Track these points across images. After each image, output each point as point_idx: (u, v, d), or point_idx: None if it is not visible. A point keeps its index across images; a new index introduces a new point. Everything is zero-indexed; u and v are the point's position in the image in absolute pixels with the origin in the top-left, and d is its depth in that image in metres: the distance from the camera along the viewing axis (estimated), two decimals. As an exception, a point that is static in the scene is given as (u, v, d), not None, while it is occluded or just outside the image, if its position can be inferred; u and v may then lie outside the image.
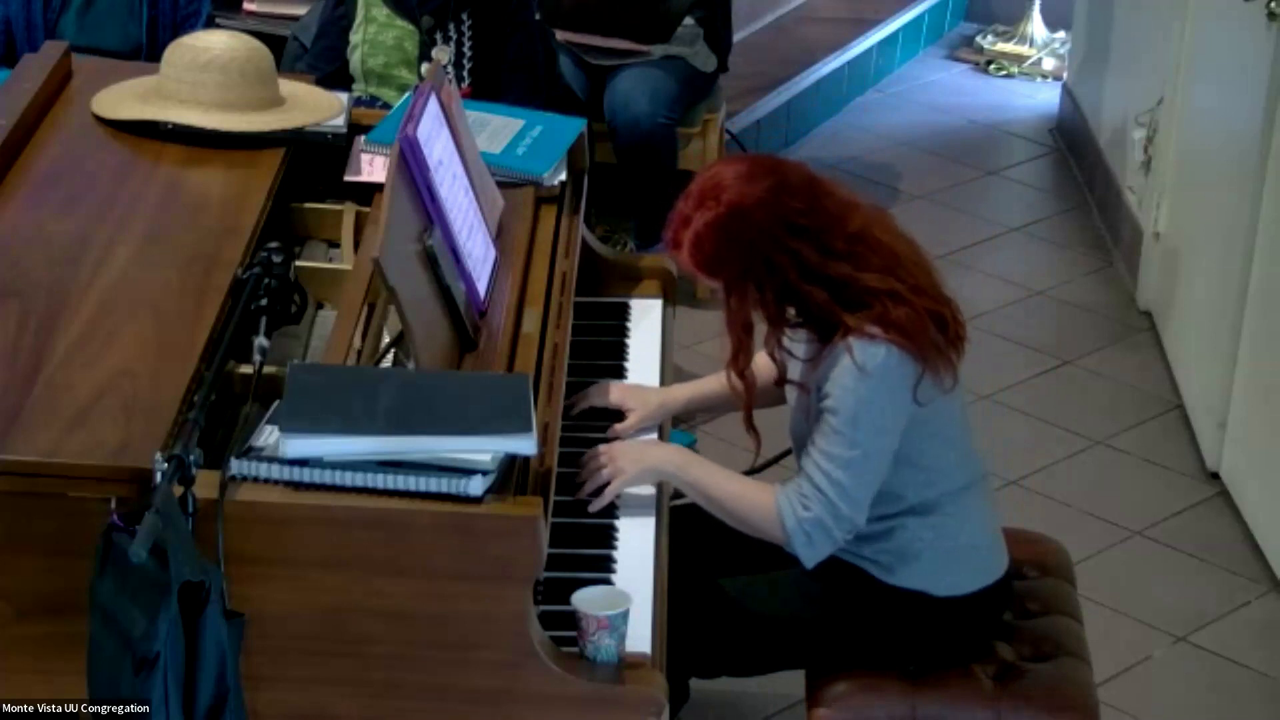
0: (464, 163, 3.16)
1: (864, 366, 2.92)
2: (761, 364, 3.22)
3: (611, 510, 3.06)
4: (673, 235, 3.01)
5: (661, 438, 3.30)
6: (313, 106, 3.50)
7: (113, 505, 2.50)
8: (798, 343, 3.07)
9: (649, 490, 3.10)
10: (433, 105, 3.07)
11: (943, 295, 3.02)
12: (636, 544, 2.99)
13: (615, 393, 3.32)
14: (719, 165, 3.04)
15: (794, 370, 3.08)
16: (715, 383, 3.37)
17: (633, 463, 3.08)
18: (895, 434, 2.98)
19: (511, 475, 2.64)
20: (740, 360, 3.04)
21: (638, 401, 3.31)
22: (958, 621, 3.11)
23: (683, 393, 3.37)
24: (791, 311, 3.01)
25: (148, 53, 4.60)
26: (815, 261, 2.95)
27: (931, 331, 2.96)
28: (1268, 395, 4.37)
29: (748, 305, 2.98)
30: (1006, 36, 7.07)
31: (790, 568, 3.16)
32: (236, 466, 2.58)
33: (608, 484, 3.05)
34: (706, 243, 2.96)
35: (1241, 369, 4.51)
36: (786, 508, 3.00)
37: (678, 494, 3.16)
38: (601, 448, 3.10)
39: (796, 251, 2.94)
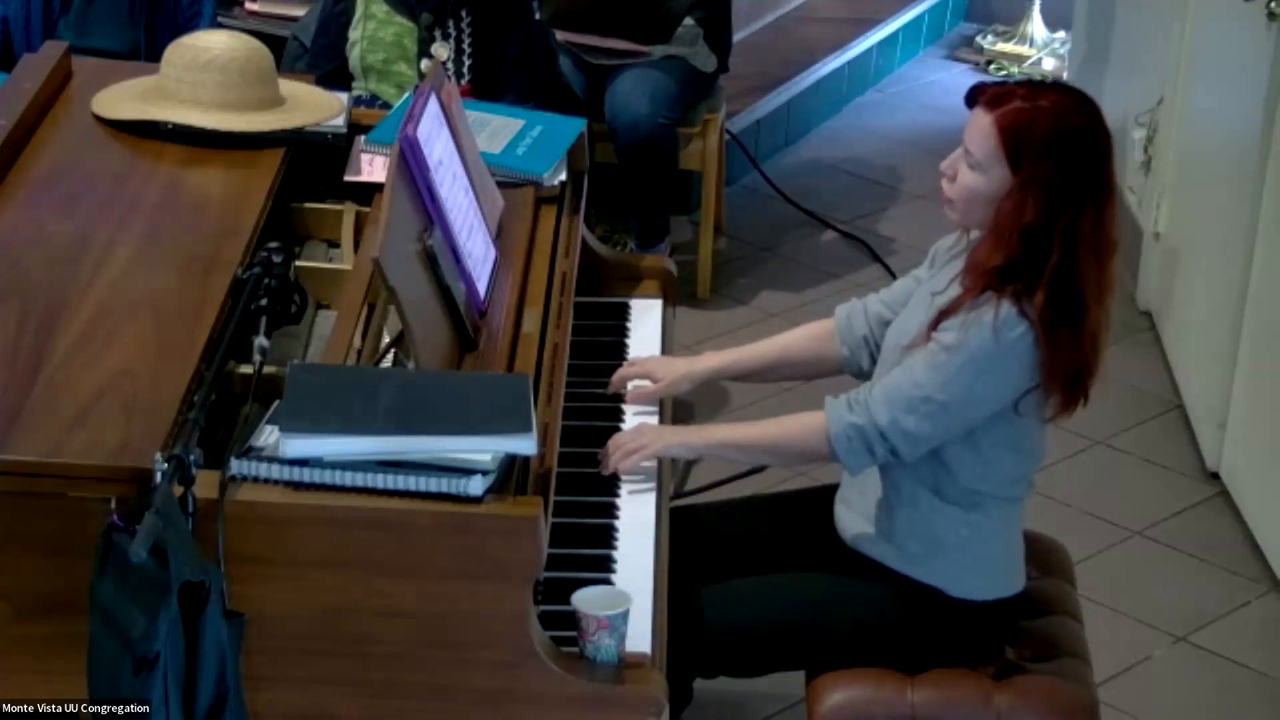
0: (464, 163, 3.16)
1: (998, 331, 2.89)
2: (823, 329, 3.25)
3: (611, 510, 3.06)
4: (998, 91, 2.93)
5: (662, 418, 3.31)
6: (313, 106, 3.50)
7: (113, 505, 2.50)
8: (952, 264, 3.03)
9: (649, 490, 3.10)
10: (433, 105, 3.07)
11: (1100, 357, 2.99)
12: (636, 544, 2.99)
13: (641, 365, 3.35)
14: (1077, 90, 2.97)
15: (919, 312, 3.04)
16: (745, 354, 3.37)
17: (656, 437, 3.08)
18: (984, 410, 2.95)
19: (511, 475, 2.64)
20: (995, 256, 2.90)
21: (664, 370, 3.33)
22: (968, 626, 3.10)
23: (708, 363, 3.36)
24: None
25: (146, 55, 4.60)
26: (1084, 230, 2.91)
27: (1068, 373, 2.94)
28: (1268, 395, 4.37)
29: (1034, 213, 2.89)
30: (1006, 36, 7.07)
31: (792, 569, 3.17)
32: (236, 466, 2.58)
33: (633, 453, 3.06)
34: (1040, 130, 2.88)
35: (1241, 369, 4.52)
36: (834, 413, 2.99)
37: (677, 493, 3.17)
38: (629, 429, 3.11)
39: (1084, 208, 2.90)
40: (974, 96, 2.96)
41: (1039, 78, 3.04)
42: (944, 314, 2.94)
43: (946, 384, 2.92)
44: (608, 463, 3.08)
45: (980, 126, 2.92)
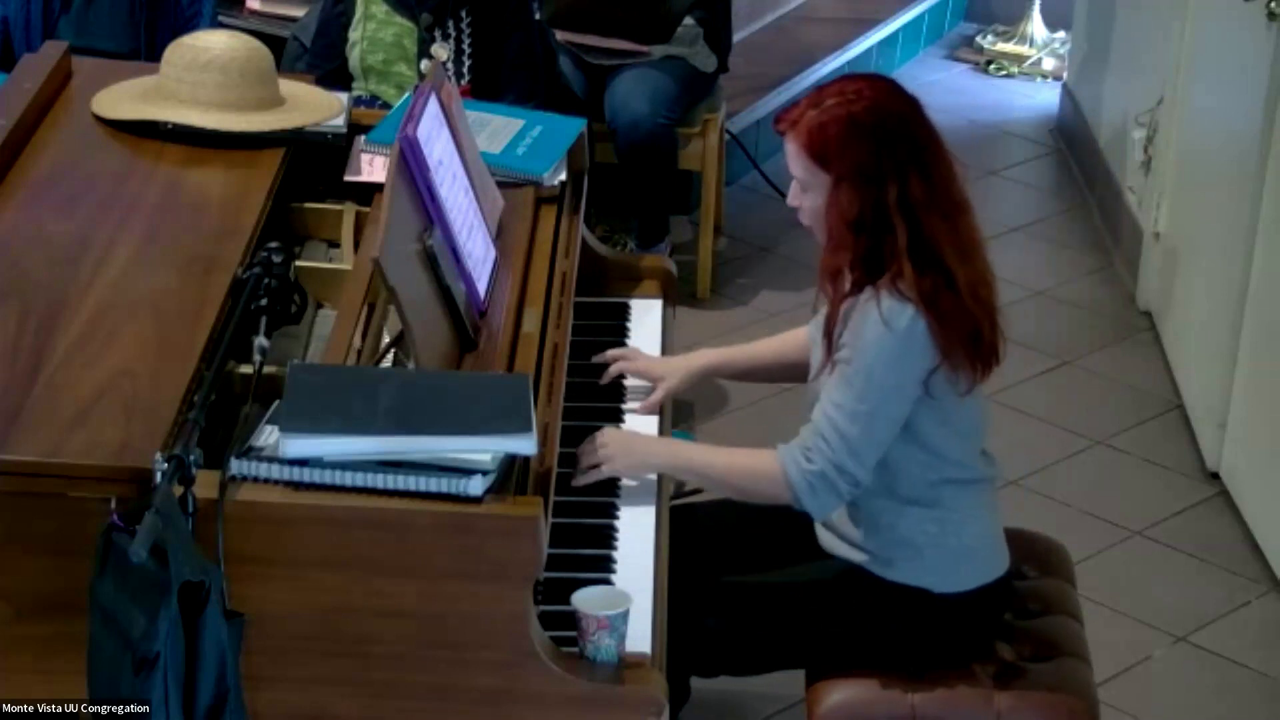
0: (464, 163, 3.16)
1: (889, 322, 2.91)
2: (800, 337, 3.25)
3: (611, 510, 3.06)
4: (791, 115, 3.02)
5: (663, 419, 3.30)
6: (313, 106, 3.50)
7: (113, 505, 2.50)
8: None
9: (649, 490, 3.10)
10: (433, 105, 3.07)
11: (992, 312, 3.00)
12: (636, 544, 2.99)
13: (639, 365, 3.36)
14: (861, 74, 3.09)
15: (816, 329, 3.07)
16: (740, 353, 3.40)
17: (623, 452, 3.08)
18: (906, 401, 2.97)
19: (511, 475, 2.64)
20: (838, 258, 2.98)
21: (661, 372, 3.34)
22: (958, 619, 3.11)
23: (703, 360, 3.38)
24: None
25: (146, 55, 4.60)
26: (918, 198, 2.94)
27: (965, 335, 2.95)
28: (1268, 395, 4.37)
29: (855, 204, 2.95)
30: (1006, 36, 7.07)
31: (790, 567, 3.17)
32: (236, 466, 2.58)
33: (599, 466, 3.06)
34: (832, 129, 2.97)
35: (1241, 369, 4.51)
36: (790, 462, 3.00)
37: (678, 494, 3.16)
38: (600, 432, 3.11)
39: (908, 177, 2.95)
40: (777, 128, 3.05)
41: (840, 76, 3.11)
42: (828, 333, 2.98)
43: (864, 392, 2.94)
44: (581, 468, 3.07)
45: (791, 152, 3.02)
